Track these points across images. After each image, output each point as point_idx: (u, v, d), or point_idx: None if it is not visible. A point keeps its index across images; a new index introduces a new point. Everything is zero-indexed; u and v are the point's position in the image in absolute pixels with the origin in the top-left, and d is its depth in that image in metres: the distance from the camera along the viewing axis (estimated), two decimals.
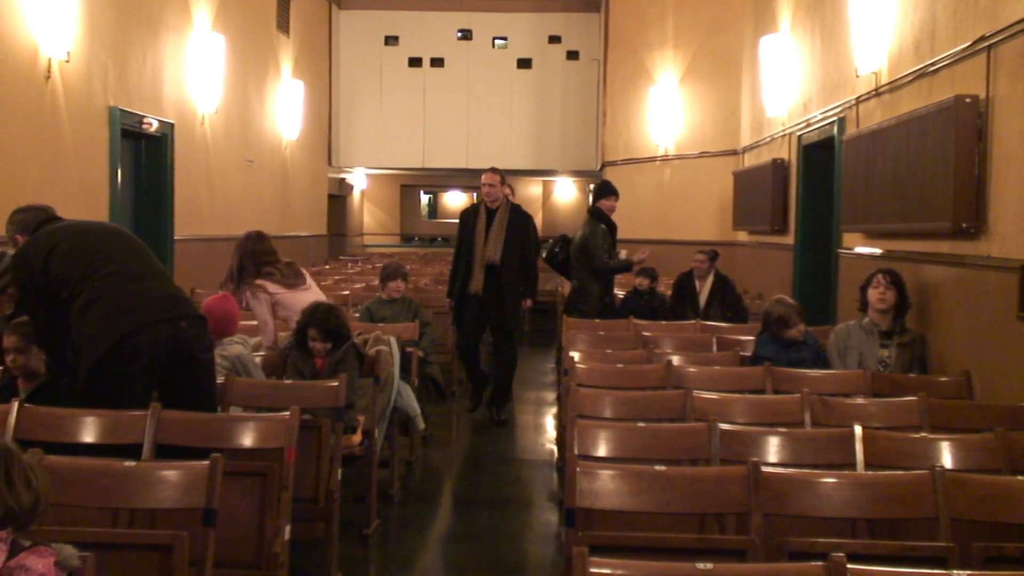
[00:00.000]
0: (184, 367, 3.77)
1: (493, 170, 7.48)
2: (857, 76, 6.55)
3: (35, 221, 3.99)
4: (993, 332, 4.58)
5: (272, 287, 5.32)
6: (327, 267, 12.50)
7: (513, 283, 7.39)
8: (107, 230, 4.17)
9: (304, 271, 5.63)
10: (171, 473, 2.88)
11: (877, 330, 5.18)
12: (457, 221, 7.77)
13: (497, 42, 16.32)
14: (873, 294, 5.19)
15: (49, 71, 6.62)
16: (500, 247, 7.27)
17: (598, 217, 7.77)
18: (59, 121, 6.83)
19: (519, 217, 7.52)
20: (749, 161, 10.66)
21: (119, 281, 3.71)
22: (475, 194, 8.80)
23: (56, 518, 3.03)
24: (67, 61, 6.79)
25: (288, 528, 3.28)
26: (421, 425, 5.79)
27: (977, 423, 3.99)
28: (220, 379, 4.17)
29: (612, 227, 7.81)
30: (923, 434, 3.68)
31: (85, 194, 7.25)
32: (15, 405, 3.52)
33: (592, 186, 8.65)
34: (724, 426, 3.53)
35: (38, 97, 6.56)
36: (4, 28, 6.13)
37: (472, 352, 7.62)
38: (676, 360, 5.19)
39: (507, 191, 7.57)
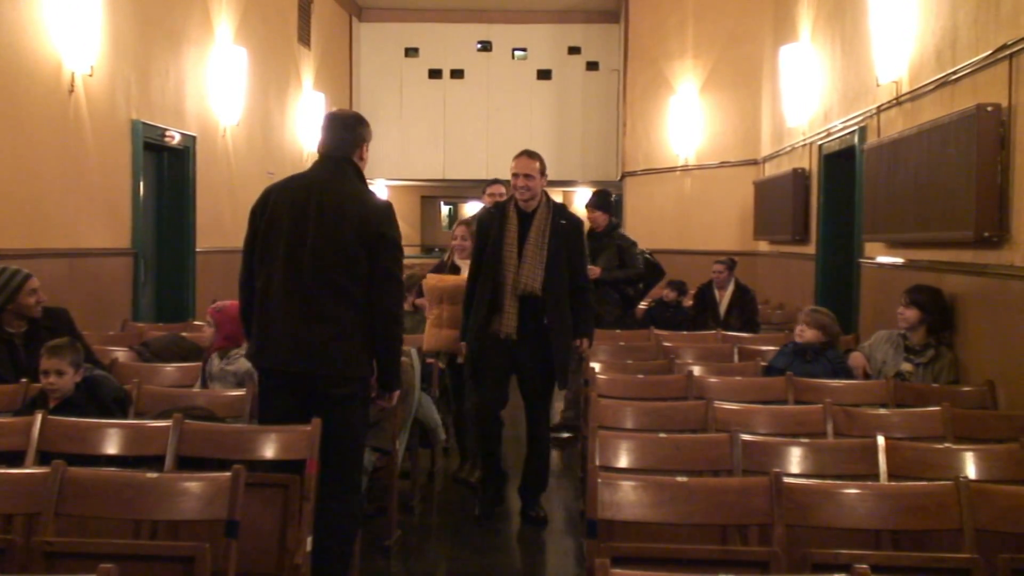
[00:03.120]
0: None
1: (528, 154, 5.21)
2: (878, 85, 6.52)
3: None
4: (1017, 341, 4.54)
5: None
6: None
7: (563, 322, 5.15)
8: None
9: None
10: (193, 485, 2.89)
11: (904, 344, 5.14)
12: None
13: (517, 53, 16.36)
14: (898, 311, 5.19)
15: (73, 85, 6.69)
16: (541, 269, 5.09)
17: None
18: (83, 134, 6.90)
19: (567, 223, 5.25)
20: (770, 171, 10.62)
21: None
22: (488, 195, 6.76)
23: (79, 529, 3.06)
24: (90, 75, 6.86)
25: (310, 539, 3.28)
26: (442, 436, 5.77)
27: (1001, 433, 3.96)
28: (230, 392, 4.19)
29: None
30: (947, 444, 3.66)
31: (108, 207, 7.31)
32: (39, 417, 3.55)
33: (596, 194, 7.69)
34: (746, 437, 3.52)
35: (62, 111, 6.63)
36: (28, 43, 6.20)
37: (493, 424, 5.30)
38: (697, 370, 5.17)
39: (545, 182, 5.26)
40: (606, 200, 7.44)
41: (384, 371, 3.72)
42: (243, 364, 4.50)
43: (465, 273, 5.58)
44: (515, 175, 5.15)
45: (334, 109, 3.89)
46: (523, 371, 5.24)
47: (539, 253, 5.08)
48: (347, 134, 3.75)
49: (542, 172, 5.16)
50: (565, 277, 5.13)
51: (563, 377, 5.25)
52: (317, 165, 3.79)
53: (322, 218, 3.57)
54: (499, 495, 5.50)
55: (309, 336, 3.55)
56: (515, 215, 5.17)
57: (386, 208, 3.72)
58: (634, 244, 7.35)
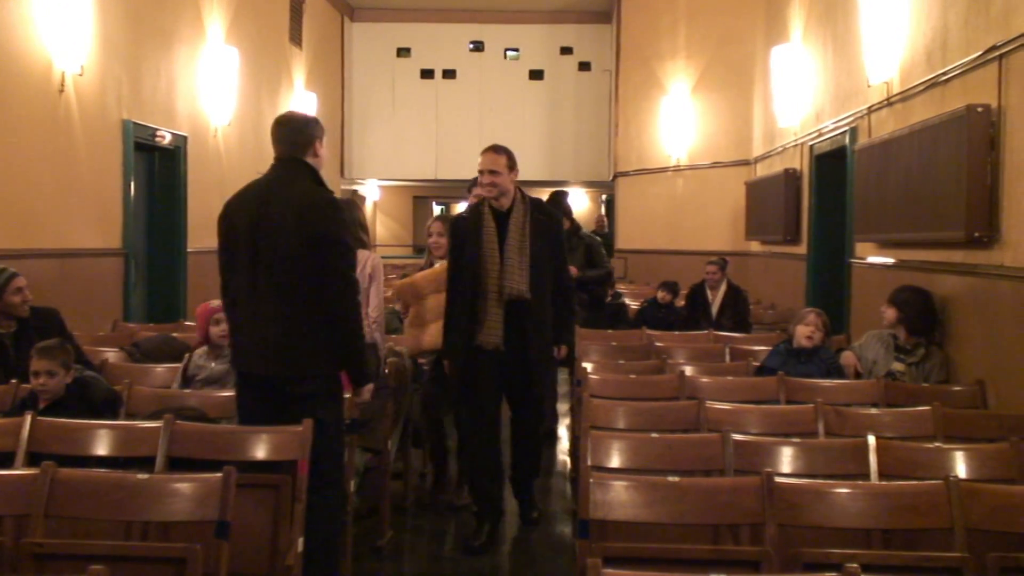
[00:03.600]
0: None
1: (494, 148, 4.87)
2: (869, 86, 6.53)
3: None
4: (1007, 341, 4.55)
5: None
6: None
7: (544, 329, 4.86)
8: None
9: None
10: (184, 485, 2.89)
11: (895, 343, 5.16)
12: None
13: (509, 53, 16.37)
14: (880, 309, 5.23)
15: (63, 85, 6.67)
16: (527, 270, 4.74)
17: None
18: (73, 134, 6.87)
19: (547, 218, 4.95)
20: (761, 171, 10.64)
21: None
22: (474, 196, 5.64)
23: (70, 531, 3.04)
24: (81, 75, 6.84)
25: (301, 540, 3.28)
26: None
27: (992, 433, 3.97)
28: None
29: None
30: (937, 444, 3.67)
31: (99, 206, 7.29)
32: (28, 417, 3.54)
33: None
34: (738, 436, 3.52)
35: (52, 110, 6.60)
36: (19, 42, 6.17)
37: (491, 451, 4.91)
38: (689, 370, 5.18)
39: (514, 176, 4.85)
40: (563, 201, 7.41)
41: (348, 368, 3.73)
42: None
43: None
44: (481, 172, 4.79)
45: (280, 114, 3.88)
46: (513, 384, 4.89)
47: (522, 254, 4.72)
48: (296, 135, 3.78)
49: (510, 167, 4.78)
50: (550, 278, 4.83)
51: (542, 390, 5.00)
52: (271, 169, 3.81)
53: (270, 221, 3.61)
54: (492, 527, 4.90)
55: (266, 338, 3.62)
56: (491, 216, 4.78)
57: (327, 205, 3.67)
58: (600, 243, 7.38)
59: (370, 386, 3.88)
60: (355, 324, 3.69)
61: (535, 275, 4.74)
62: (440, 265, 5.46)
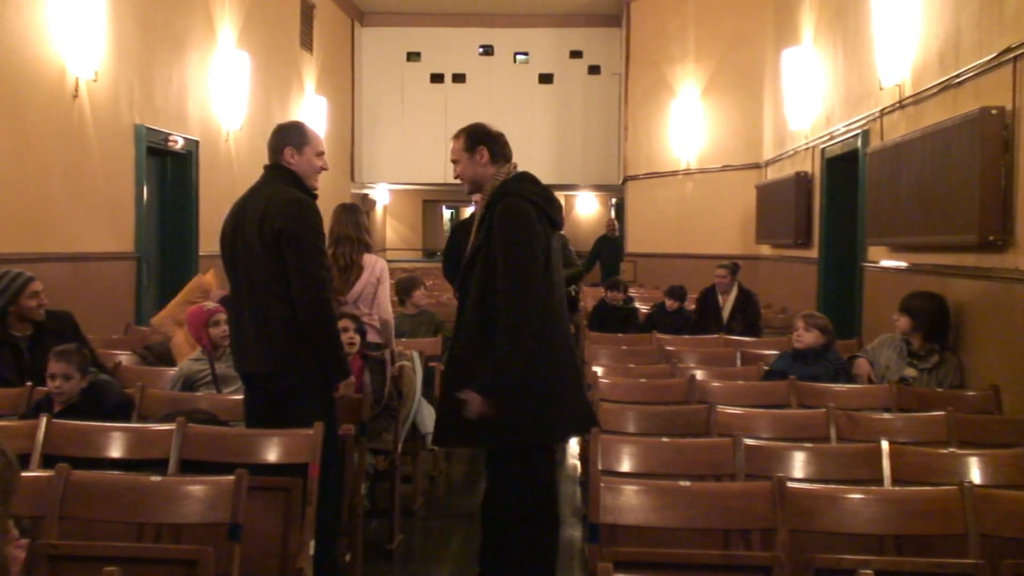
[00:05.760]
0: None
1: (456, 133, 3.90)
2: (881, 88, 6.52)
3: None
4: (1021, 346, 4.52)
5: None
6: None
7: (455, 359, 3.77)
8: None
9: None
10: (196, 488, 2.90)
11: (907, 349, 5.13)
12: None
13: (518, 57, 16.38)
14: (892, 317, 5.21)
15: (77, 90, 6.70)
16: (467, 285, 3.74)
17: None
18: (86, 139, 6.90)
19: (493, 213, 3.65)
20: (772, 174, 10.62)
21: None
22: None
23: (83, 533, 3.05)
24: (94, 80, 6.87)
25: (312, 543, 3.28)
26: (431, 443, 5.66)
27: (1006, 438, 3.96)
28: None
29: None
30: (951, 449, 3.65)
31: (111, 211, 7.32)
32: (43, 420, 3.55)
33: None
34: (749, 441, 3.51)
35: (66, 116, 6.64)
36: (33, 48, 6.21)
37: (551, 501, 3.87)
38: (699, 375, 5.17)
39: (483, 160, 3.77)
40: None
41: (322, 363, 3.74)
42: None
43: None
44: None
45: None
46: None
47: (470, 262, 3.73)
48: (272, 142, 3.89)
49: (469, 148, 3.79)
50: (475, 288, 3.66)
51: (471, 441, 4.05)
52: (260, 177, 3.94)
53: (243, 223, 3.74)
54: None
55: (245, 337, 3.75)
56: (478, 217, 3.78)
57: (291, 204, 3.69)
58: (569, 241, 7.25)
59: (349, 380, 3.84)
60: (321, 320, 3.68)
61: (463, 291, 3.77)
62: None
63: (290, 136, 3.88)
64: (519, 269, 3.53)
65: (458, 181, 3.88)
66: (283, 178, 3.81)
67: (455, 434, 3.81)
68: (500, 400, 3.50)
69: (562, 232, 4.01)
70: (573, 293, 7.25)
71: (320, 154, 3.90)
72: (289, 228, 3.63)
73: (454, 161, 3.86)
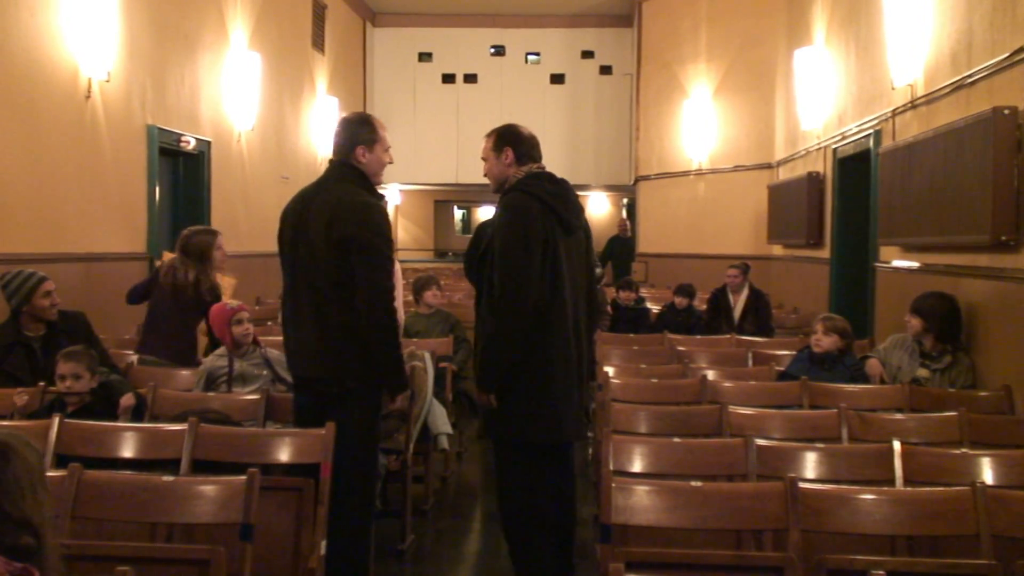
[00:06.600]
0: None
1: (490, 133, 3.95)
2: (893, 88, 6.50)
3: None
4: None
5: None
6: None
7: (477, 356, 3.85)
8: None
9: None
10: (209, 488, 2.91)
11: (919, 350, 5.11)
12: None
13: (530, 58, 16.38)
14: (904, 319, 5.18)
15: (89, 91, 6.73)
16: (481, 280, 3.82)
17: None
18: (99, 140, 6.94)
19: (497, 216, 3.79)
20: (784, 175, 10.60)
21: None
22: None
23: (95, 532, 3.07)
24: (107, 81, 6.90)
25: (324, 543, 3.29)
26: (444, 444, 5.68)
27: (1019, 439, 3.94)
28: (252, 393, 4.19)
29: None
30: (963, 450, 3.63)
31: (124, 211, 7.35)
32: (56, 420, 3.57)
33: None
34: (760, 441, 3.51)
35: (78, 116, 6.67)
36: (46, 49, 6.24)
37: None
38: (711, 375, 5.16)
39: (508, 160, 3.84)
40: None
41: (383, 375, 3.70)
42: (274, 353, 4.64)
43: None
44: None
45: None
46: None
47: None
48: (341, 138, 3.79)
49: (496, 148, 3.87)
50: (486, 284, 3.73)
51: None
52: (324, 172, 3.85)
53: (306, 224, 3.63)
54: None
55: (303, 340, 3.69)
56: None
57: (360, 209, 3.60)
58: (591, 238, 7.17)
59: (406, 393, 3.82)
60: (384, 332, 3.61)
61: (480, 288, 3.84)
62: None
63: (362, 133, 3.77)
64: (510, 263, 3.61)
65: (487, 180, 3.97)
66: (351, 178, 3.70)
67: (486, 426, 3.95)
68: (492, 393, 3.70)
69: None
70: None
71: (387, 149, 3.85)
72: (361, 236, 3.54)
73: (484, 159, 3.94)
